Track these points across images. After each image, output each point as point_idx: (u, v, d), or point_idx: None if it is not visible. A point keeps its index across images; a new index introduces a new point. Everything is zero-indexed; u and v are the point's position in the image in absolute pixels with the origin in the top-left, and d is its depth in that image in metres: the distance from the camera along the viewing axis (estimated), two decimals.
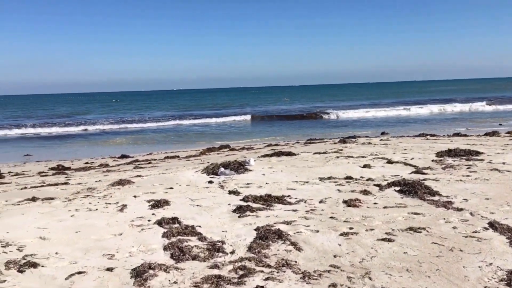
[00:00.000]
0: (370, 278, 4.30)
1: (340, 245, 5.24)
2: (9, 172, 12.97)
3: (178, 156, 15.32)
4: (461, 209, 6.47)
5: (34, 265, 4.79)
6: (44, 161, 16.98)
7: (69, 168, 13.31)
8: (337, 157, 11.83)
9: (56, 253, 5.16)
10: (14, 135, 32.06)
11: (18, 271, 4.66)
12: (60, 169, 12.99)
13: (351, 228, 5.78)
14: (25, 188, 9.29)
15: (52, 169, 13.26)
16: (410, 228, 5.71)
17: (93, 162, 15.15)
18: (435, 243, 5.19)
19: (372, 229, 5.74)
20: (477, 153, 11.20)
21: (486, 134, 17.77)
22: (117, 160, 15.65)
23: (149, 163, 13.58)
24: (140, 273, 4.51)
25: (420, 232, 5.58)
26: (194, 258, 4.96)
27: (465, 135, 18.22)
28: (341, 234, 5.57)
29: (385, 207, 6.75)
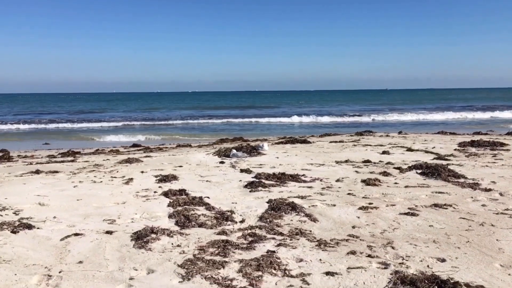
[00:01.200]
0: (392, 248, 3.88)
1: (359, 217, 4.82)
2: (18, 156, 12.76)
3: (190, 145, 14.99)
4: (489, 190, 6.02)
5: (29, 226, 4.47)
6: (56, 149, 16.76)
7: (79, 153, 13.06)
8: (354, 145, 11.38)
9: (54, 217, 4.84)
10: (33, 128, 32.01)
11: (11, 232, 4.34)
12: (70, 153, 12.73)
13: (370, 203, 5.35)
14: (31, 164, 9.01)
15: (62, 153, 13.01)
16: (435, 205, 5.27)
17: (103, 149, 14.89)
18: (463, 218, 4.75)
19: (393, 205, 5.31)
20: (502, 144, 10.68)
21: (508, 134, 17.11)
22: (128, 149, 15.36)
23: (160, 149, 13.28)
24: (141, 236, 4.15)
25: (446, 208, 5.14)
26: (201, 225, 4.59)
27: (486, 134, 17.56)
28: (360, 208, 5.15)
29: (406, 186, 6.31)
